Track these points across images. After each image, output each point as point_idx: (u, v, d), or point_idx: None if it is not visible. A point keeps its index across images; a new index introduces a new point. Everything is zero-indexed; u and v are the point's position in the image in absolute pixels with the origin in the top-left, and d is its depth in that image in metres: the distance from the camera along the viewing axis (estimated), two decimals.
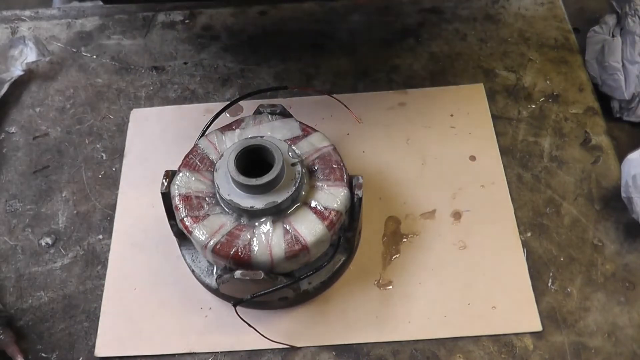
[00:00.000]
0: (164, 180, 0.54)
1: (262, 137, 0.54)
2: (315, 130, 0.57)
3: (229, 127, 0.57)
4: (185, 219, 0.52)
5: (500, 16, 0.78)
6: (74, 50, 0.77)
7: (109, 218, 0.63)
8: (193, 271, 0.57)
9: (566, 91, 0.70)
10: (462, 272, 0.58)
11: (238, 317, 0.52)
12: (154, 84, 0.73)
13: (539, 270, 0.58)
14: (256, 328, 0.53)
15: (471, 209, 0.62)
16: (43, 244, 0.62)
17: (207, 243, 0.51)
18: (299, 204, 0.52)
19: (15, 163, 0.68)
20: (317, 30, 0.78)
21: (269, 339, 0.53)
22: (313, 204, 0.52)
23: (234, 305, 0.52)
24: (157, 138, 0.68)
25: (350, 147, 0.66)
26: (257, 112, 0.59)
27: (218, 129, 0.57)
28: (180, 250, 0.58)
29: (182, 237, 0.57)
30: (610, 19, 0.72)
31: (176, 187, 0.53)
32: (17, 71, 0.73)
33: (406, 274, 0.59)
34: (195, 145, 0.56)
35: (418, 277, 0.58)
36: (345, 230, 0.56)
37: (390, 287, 0.58)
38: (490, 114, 0.68)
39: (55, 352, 0.56)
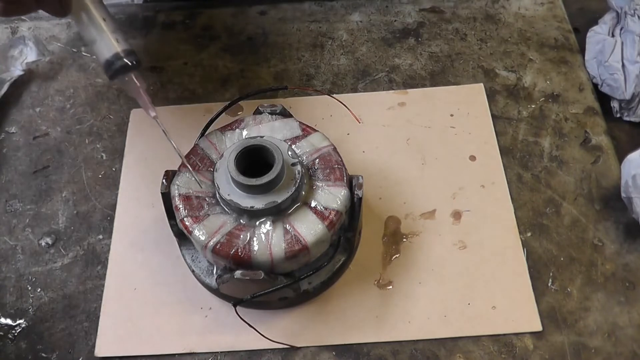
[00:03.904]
0: (164, 180, 0.54)
1: (262, 137, 0.54)
2: (315, 130, 0.57)
3: (229, 127, 0.57)
4: (185, 219, 0.52)
5: (500, 16, 0.78)
6: (74, 50, 0.77)
7: (109, 218, 0.63)
8: (193, 271, 0.57)
9: (566, 91, 0.70)
10: (462, 272, 0.59)
11: (238, 317, 0.52)
12: (154, 84, 0.73)
13: (539, 270, 0.58)
14: (256, 328, 0.53)
15: (471, 209, 0.62)
16: (43, 244, 0.63)
17: (207, 243, 0.51)
18: (299, 204, 0.52)
19: (15, 163, 0.68)
20: (317, 30, 0.78)
21: (269, 339, 0.54)
22: (313, 204, 0.52)
23: (234, 305, 0.52)
24: (157, 138, 0.68)
25: (350, 147, 0.66)
26: (257, 112, 0.59)
27: (218, 129, 0.57)
28: (180, 250, 0.58)
29: (182, 237, 0.57)
30: (610, 19, 0.72)
31: (176, 187, 0.53)
32: (17, 71, 0.74)
33: (406, 274, 0.59)
34: (195, 145, 0.56)
35: (418, 277, 0.58)
36: (345, 230, 0.56)
37: (390, 287, 0.58)
38: (490, 114, 0.68)
39: (55, 352, 0.56)
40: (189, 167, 0.53)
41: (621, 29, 0.71)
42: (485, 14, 0.78)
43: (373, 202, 0.63)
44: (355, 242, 0.58)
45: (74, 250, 0.62)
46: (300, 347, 0.55)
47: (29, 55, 0.74)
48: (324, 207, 0.52)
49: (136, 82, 0.53)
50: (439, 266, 0.59)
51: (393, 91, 0.71)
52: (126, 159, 0.67)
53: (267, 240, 0.50)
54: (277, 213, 0.51)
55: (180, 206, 0.52)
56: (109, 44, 0.52)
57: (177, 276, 0.59)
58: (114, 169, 0.67)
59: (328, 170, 0.54)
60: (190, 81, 0.74)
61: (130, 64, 0.52)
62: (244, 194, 0.51)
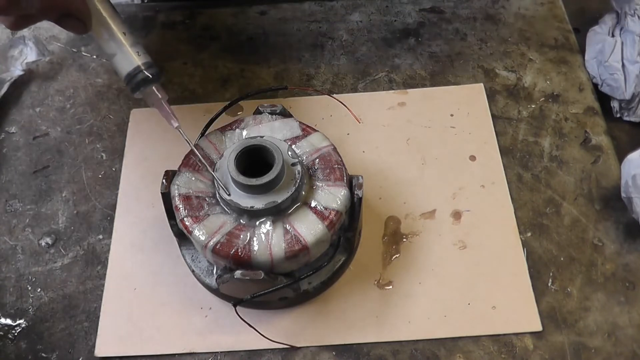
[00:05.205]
0: (163, 180, 0.54)
1: (262, 137, 0.54)
2: (315, 130, 0.57)
3: (229, 127, 0.57)
4: (185, 219, 0.52)
5: (500, 16, 0.78)
6: (74, 50, 0.77)
7: (109, 218, 0.63)
8: (193, 271, 0.57)
9: (566, 91, 0.70)
10: (462, 272, 0.59)
11: (238, 317, 0.52)
12: None
13: (539, 270, 0.58)
14: (256, 328, 0.53)
15: (471, 209, 0.62)
16: (43, 244, 0.63)
17: (207, 243, 0.51)
18: (299, 204, 0.52)
19: (15, 163, 0.68)
20: (317, 30, 0.78)
21: (269, 339, 0.54)
22: (313, 204, 0.52)
23: (234, 305, 0.52)
24: (157, 138, 0.68)
25: (350, 147, 0.66)
26: (257, 112, 0.59)
27: (218, 129, 0.57)
28: (180, 250, 0.58)
29: (182, 237, 0.57)
30: (610, 19, 0.72)
31: (176, 187, 0.53)
32: (17, 71, 0.74)
33: (406, 274, 0.59)
34: (196, 145, 0.56)
35: (418, 277, 0.58)
36: (345, 230, 0.56)
37: (390, 287, 0.58)
38: (490, 114, 0.68)
39: (55, 352, 0.56)
40: (218, 180, 0.52)
41: (621, 29, 0.71)
42: (485, 14, 0.78)
43: (373, 202, 0.63)
44: (355, 242, 0.58)
45: (74, 250, 0.62)
46: (300, 347, 0.55)
47: (29, 55, 0.74)
48: (324, 207, 0.52)
49: (158, 94, 0.54)
50: (439, 266, 0.59)
51: (393, 91, 0.71)
52: (126, 159, 0.67)
53: (267, 240, 0.50)
54: (277, 213, 0.51)
55: (180, 206, 0.52)
56: (129, 57, 0.53)
57: (177, 276, 0.59)
58: (114, 169, 0.67)
59: (328, 170, 0.54)
60: (190, 81, 0.74)
61: (151, 76, 0.53)
62: (244, 194, 0.51)
